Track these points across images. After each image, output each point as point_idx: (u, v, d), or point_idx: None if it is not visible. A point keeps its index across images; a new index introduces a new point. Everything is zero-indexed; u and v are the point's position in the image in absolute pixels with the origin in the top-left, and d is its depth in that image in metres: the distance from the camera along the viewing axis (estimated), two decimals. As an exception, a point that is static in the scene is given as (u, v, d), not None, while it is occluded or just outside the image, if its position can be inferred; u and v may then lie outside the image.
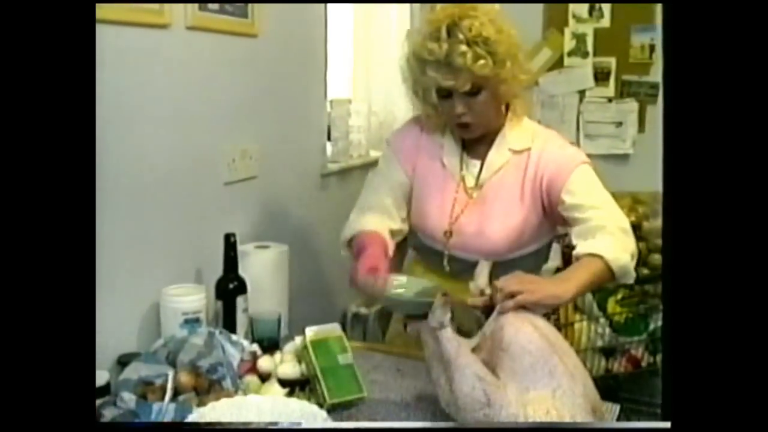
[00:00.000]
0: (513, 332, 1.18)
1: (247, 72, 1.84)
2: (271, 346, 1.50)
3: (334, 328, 1.43)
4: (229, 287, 1.61)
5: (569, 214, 1.48)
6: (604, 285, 1.58)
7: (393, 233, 1.58)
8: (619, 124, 2.85)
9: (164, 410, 1.22)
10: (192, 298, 1.51)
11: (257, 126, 1.90)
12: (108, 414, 1.24)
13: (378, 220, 1.56)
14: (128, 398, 1.24)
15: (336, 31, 2.44)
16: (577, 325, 2.03)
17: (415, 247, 1.71)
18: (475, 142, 1.57)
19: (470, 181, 1.57)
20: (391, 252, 1.54)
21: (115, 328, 1.47)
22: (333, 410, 1.31)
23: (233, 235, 1.62)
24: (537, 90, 2.91)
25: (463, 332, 1.25)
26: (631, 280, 1.43)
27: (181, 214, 1.65)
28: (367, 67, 2.66)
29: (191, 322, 1.49)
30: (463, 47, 1.40)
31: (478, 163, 1.57)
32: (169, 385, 1.24)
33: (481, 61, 1.41)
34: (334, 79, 2.40)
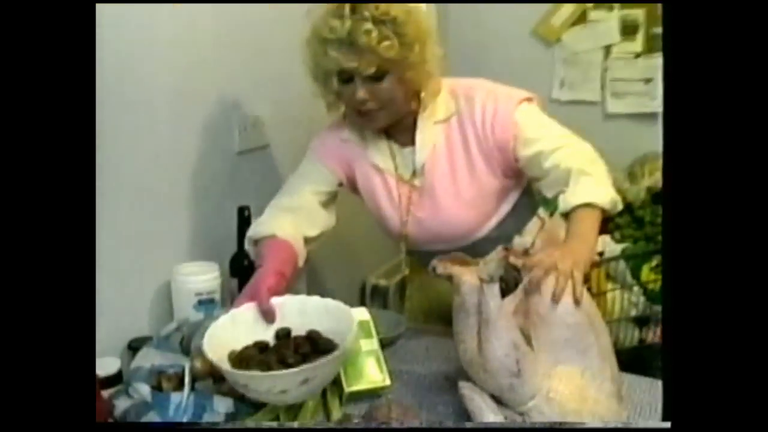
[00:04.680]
0: (554, 301, 1.09)
1: (258, 35, 1.72)
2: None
3: (361, 312, 1.34)
4: (244, 264, 1.52)
5: (532, 167, 1.37)
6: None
7: (308, 240, 1.43)
8: (648, 80, 2.69)
9: (184, 403, 1.14)
10: (205, 277, 1.43)
11: (270, 92, 1.79)
12: (121, 405, 1.17)
13: (292, 226, 1.40)
14: (142, 389, 1.16)
15: None
16: (609, 295, 1.93)
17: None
18: (397, 129, 1.44)
19: (406, 173, 1.46)
20: (301, 262, 1.40)
21: (124, 311, 1.39)
22: (353, 400, 1.23)
23: (247, 208, 1.53)
24: (559, 47, 2.77)
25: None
26: (620, 207, 1.31)
27: (191, 186, 1.55)
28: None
29: (205, 304, 1.41)
30: (368, 25, 1.26)
31: (408, 149, 1.45)
32: (187, 379, 1.16)
33: (387, 42, 1.27)
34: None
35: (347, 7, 1.27)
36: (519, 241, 1.22)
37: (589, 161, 1.31)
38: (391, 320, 1.54)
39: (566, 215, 1.27)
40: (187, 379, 1.17)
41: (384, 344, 1.40)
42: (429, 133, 1.42)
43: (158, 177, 1.46)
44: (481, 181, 1.41)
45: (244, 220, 1.52)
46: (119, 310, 1.36)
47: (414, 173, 1.45)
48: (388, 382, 1.27)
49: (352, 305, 1.25)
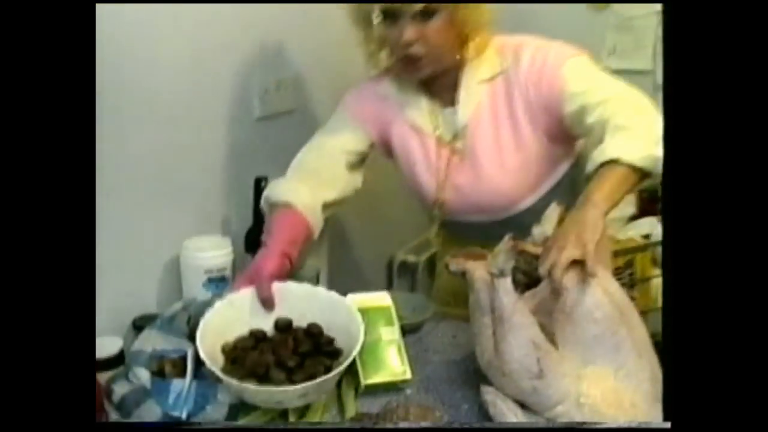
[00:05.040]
0: (579, 294, 0.98)
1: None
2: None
3: (381, 297, 1.23)
4: (261, 239, 1.41)
5: (576, 125, 1.23)
6: (639, 187, 1.20)
7: (328, 206, 1.32)
8: (706, 50, 2.51)
9: (185, 392, 1.05)
10: (216, 253, 1.33)
11: (294, 53, 1.66)
12: (119, 390, 1.08)
13: (310, 192, 1.30)
14: (141, 375, 1.07)
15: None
16: (654, 281, 1.78)
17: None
18: (440, 87, 1.32)
19: (447, 134, 1.34)
20: (316, 233, 1.29)
21: (130, 287, 1.30)
22: (370, 394, 1.13)
23: (265, 179, 1.42)
24: (609, 12, 2.58)
25: (519, 286, 1.05)
26: (660, 166, 1.08)
27: (206, 154, 1.45)
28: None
29: (215, 282, 1.31)
30: None
31: (450, 109, 1.33)
32: (189, 366, 1.07)
33: None
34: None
35: None
36: (538, 231, 1.09)
37: (634, 112, 1.14)
38: (417, 303, 1.42)
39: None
40: (189, 366, 1.07)
41: (407, 330, 1.29)
42: (473, 92, 1.30)
43: (169, 144, 1.36)
44: (526, 148, 1.29)
45: (261, 191, 1.41)
46: (124, 286, 1.27)
47: (455, 135, 1.33)
48: (408, 375, 1.16)
49: (377, 282, 1.16)
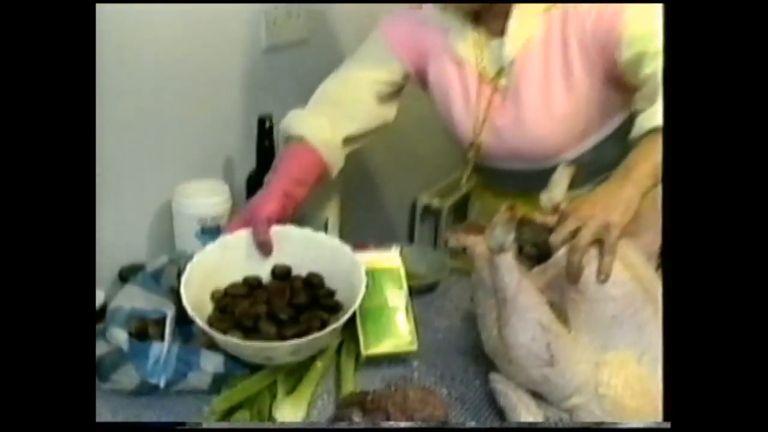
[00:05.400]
0: (595, 269, 0.86)
1: None
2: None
3: (390, 258, 1.11)
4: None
5: (630, 73, 1.08)
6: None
7: (350, 140, 1.21)
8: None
9: (163, 357, 0.95)
10: (211, 200, 1.21)
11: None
12: (96, 350, 0.98)
13: (331, 125, 1.18)
14: (119, 335, 0.97)
15: None
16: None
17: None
18: (489, 15, 1.17)
19: (491, 69, 1.19)
20: (334, 171, 1.19)
21: (119, 233, 1.19)
22: (372, 364, 1.02)
23: (269, 117, 1.28)
24: None
25: (532, 261, 0.93)
26: None
27: (205, 89, 1.31)
28: None
29: (210, 232, 1.19)
30: None
31: (497, 41, 1.17)
32: (168, 329, 0.97)
33: None
34: None
35: None
36: (546, 197, 0.95)
37: None
38: (433, 260, 1.30)
39: None
40: (168, 328, 0.97)
41: (419, 291, 1.17)
42: (525, 24, 1.15)
43: (166, 78, 1.23)
44: (577, 92, 1.15)
45: (264, 132, 1.28)
46: (112, 235, 1.16)
47: (499, 71, 1.18)
48: (414, 346, 1.04)
49: (397, 228, 1.03)
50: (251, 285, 1.04)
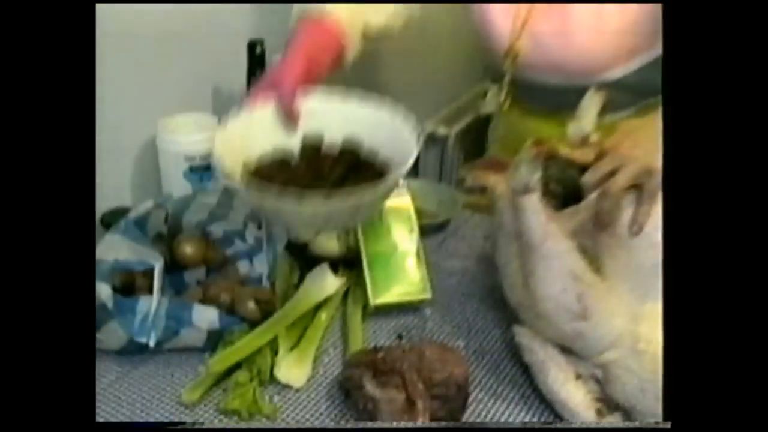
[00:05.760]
0: (632, 211, 0.76)
1: None
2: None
3: (400, 195, 1.00)
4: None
5: None
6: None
7: (368, 32, 1.04)
8: None
9: (152, 313, 0.87)
10: (198, 137, 1.09)
11: None
12: (79, 306, 0.89)
13: (348, 8, 1.02)
14: (102, 290, 0.88)
15: None
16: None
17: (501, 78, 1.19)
18: None
19: None
20: (350, 55, 1.01)
21: (99, 178, 1.08)
22: (381, 314, 0.93)
23: (260, 42, 1.16)
24: None
25: (558, 200, 0.83)
26: None
27: (188, 10, 1.18)
28: None
29: (198, 172, 1.09)
30: None
31: None
32: (156, 283, 0.87)
33: None
34: None
35: None
36: (575, 127, 0.84)
37: None
38: (443, 197, 1.20)
39: None
40: (156, 282, 0.88)
41: (428, 230, 1.08)
42: None
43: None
44: (632, 6, 1.01)
45: (255, 58, 1.16)
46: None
47: None
48: (428, 293, 0.95)
49: None
50: (283, 159, 0.89)
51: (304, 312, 0.91)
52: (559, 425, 0.78)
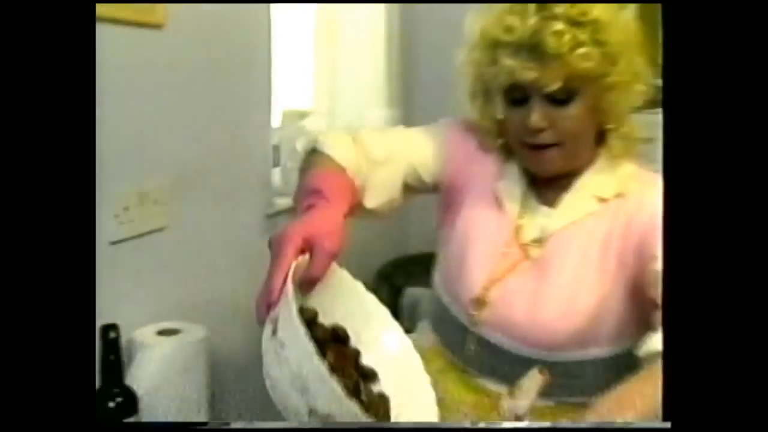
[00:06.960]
0: None
1: (154, 74, 1.30)
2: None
3: None
4: (109, 406, 1.09)
5: (653, 287, 0.95)
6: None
7: (360, 208, 1.06)
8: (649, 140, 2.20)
9: None
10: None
11: (166, 153, 1.35)
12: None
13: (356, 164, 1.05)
14: None
15: (292, 32, 1.98)
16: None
17: (434, 315, 1.18)
18: (547, 183, 1.09)
19: (530, 233, 1.08)
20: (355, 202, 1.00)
21: None
22: None
23: (113, 327, 1.08)
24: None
25: None
26: None
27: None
28: (332, 74, 2.13)
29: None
30: (559, 25, 0.96)
31: (546, 209, 1.08)
32: None
33: (583, 50, 0.96)
34: (289, 89, 1.96)
35: (532, 5, 0.98)
36: (510, 405, 0.83)
37: None
38: None
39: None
40: None
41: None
42: (580, 204, 1.07)
43: None
44: (605, 289, 1.02)
45: (109, 344, 1.06)
46: None
47: (535, 240, 1.08)
48: None
49: None
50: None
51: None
52: (559, 425, 0.80)
